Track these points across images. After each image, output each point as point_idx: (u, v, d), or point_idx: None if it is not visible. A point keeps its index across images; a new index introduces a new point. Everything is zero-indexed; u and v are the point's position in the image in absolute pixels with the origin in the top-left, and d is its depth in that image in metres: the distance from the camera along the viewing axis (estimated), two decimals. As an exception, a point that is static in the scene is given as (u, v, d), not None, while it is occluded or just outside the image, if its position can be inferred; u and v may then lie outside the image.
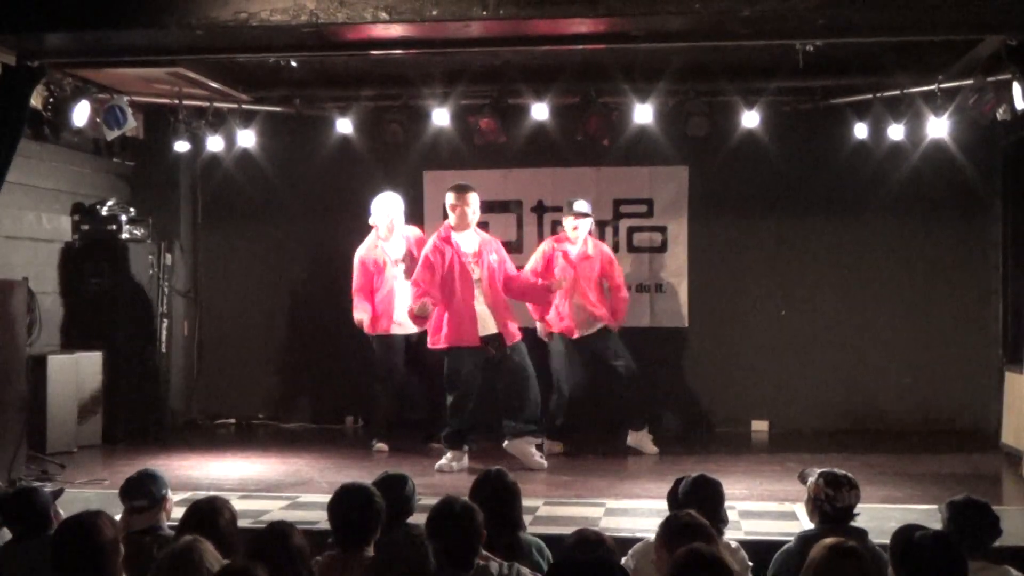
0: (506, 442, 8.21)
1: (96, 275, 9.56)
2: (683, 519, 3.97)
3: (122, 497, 4.56)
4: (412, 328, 8.58)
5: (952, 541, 3.73)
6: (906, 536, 3.76)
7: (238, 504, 4.59)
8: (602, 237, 10.24)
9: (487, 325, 8.15)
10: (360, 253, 8.96)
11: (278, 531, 3.91)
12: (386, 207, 8.98)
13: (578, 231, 8.84)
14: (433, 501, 4.12)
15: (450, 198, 8.28)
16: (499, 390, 8.29)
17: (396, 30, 7.09)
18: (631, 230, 10.29)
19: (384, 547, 3.91)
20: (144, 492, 4.51)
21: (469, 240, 8.24)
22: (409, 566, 3.69)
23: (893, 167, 9.68)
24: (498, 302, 8.21)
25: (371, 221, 9.03)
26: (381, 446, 8.96)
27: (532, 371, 8.26)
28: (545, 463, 8.15)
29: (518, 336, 8.26)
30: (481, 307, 8.15)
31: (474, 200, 8.25)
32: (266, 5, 6.74)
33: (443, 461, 8.11)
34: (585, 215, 8.83)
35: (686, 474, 4.75)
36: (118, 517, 4.30)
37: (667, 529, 3.94)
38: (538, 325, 8.94)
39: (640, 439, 8.90)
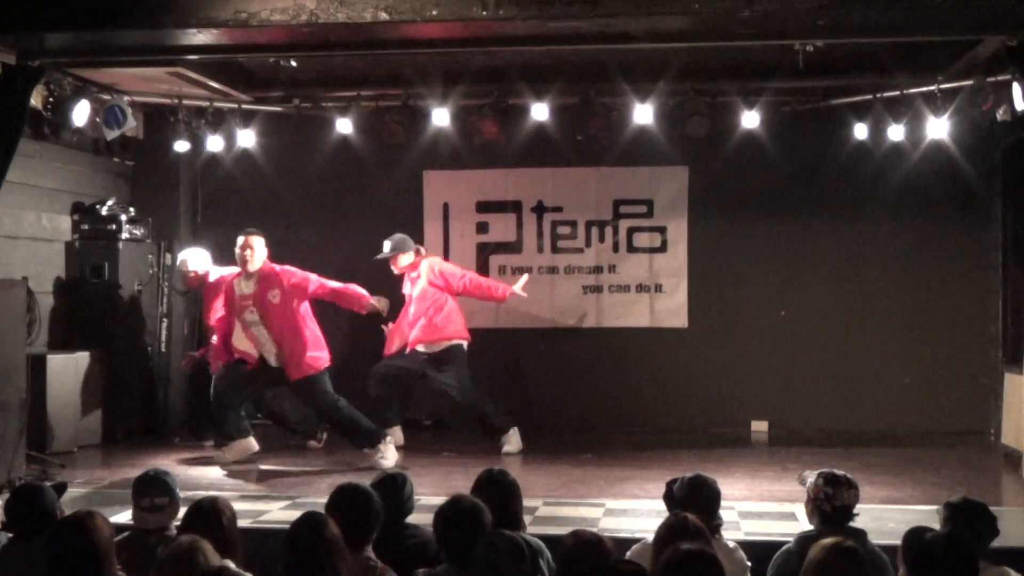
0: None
1: (96, 275, 9.58)
2: (681, 521, 3.97)
3: (138, 495, 4.45)
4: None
5: (964, 542, 3.73)
6: (918, 536, 3.77)
7: (237, 504, 4.58)
8: (602, 237, 10.29)
9: None
10: None
11: (312, 521, 3.86)
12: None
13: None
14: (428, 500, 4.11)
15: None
16: None
17: (396, 30, 7.09)
18: (631, 230, 10.29)
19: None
20: (165, 490, 4.45)
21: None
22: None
23: (893, 168, 9.68)
24: None
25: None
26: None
27: None
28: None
29: None
30: None
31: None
32: (266, 5, 6.74)
33: None
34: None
35: (683, 474, 4.72)
36: (113, 518, 4.27)
37: (666, 531, 3.94)
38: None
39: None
